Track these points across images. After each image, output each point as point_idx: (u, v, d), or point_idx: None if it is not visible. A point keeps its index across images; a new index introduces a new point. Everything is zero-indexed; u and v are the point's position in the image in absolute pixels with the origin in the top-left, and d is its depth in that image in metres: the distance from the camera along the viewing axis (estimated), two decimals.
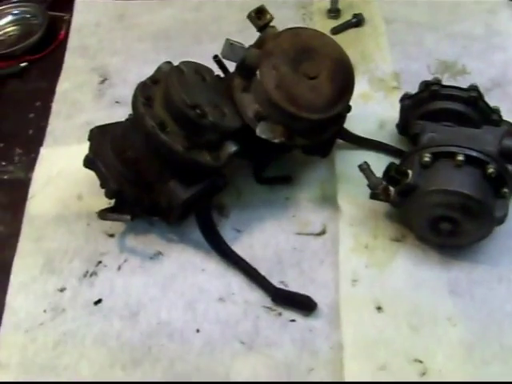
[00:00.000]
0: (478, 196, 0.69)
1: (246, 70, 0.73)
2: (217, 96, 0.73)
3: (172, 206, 0.71)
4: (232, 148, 0.71)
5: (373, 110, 0.90)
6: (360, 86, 0.91)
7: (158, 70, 0.75)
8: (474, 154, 0.70)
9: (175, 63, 0.94)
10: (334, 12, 1.04)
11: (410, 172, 0.71)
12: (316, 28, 0.99)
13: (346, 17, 1.04)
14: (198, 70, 0.74)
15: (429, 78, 0.89)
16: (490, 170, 0.70)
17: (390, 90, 0.93)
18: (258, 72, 0.71)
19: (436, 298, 0.73)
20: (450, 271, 0.75)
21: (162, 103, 0.70)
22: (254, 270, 0.74)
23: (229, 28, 0.99)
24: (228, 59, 0.73)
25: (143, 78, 0.90)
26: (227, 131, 0.71)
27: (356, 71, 0.89)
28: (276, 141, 0.72)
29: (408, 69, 0.97)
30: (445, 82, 0.85)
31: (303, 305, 0.72)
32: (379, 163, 0.78)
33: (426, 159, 0.71)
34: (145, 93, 0.71)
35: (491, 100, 0.83)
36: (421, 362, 0.68)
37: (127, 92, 0.91)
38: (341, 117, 0.76)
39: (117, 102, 0.93)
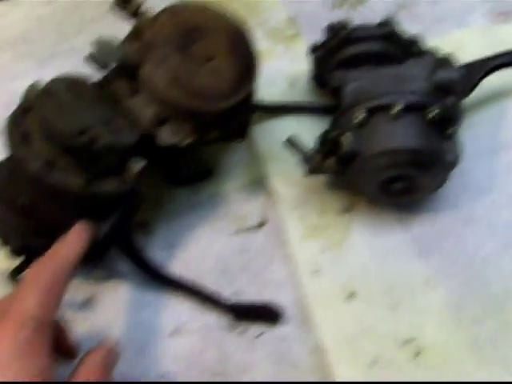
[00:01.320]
0: (426, 147, 0.61)
1: (128, 70, 0.61)
2: (102, 109, 0.61)
3: (89, 246, 0.60)
4: (139, 164, 0.60)
5: (277, 67, 0.78)
6: (256, 44, 0.81)
7: (25, 96, 0.62)
8: (412, 99, 0.62)
9: (45, 69, 0.83)
10: None
11: (345, 137, 0.62)
12: None
13: None
14: (71, 84, 0.61)
15: (328, 15, 0.81)
16: (432, 114, 0.62)
17: (289, 39, 0.83)
18: (143, 70, 0.60)
19: (406, 263, 0.65)
20: (412, 229, 0.67)
21: (41, 136, 0.58)
22: (202, 289, 0.65)
23: (92, 13, 0.86)
24: (104, 63, 0.61)
25: (14, 97, 0.78)
26: (127, 148, 0.60)
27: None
28: (186, 143, 0.61)
29: (303, 10, 0.85)
30: (346, 16, 0.76)
31: (267, 315, 0.64)
32: (303, 127, 0.70)
33: (360, 118, 0.62)
34: (18, 128, 0.59)
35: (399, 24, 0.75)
36: (411, 341, 0.61)
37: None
38: (250, 94, 0.65)
39: None
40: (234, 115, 0.64)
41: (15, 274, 0.64)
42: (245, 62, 0.63)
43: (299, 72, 0.78)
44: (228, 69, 0.61)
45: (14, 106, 0.74)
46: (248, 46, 0.64)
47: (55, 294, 0.51)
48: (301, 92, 0.78)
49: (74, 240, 0.56)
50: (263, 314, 0.64)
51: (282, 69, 0.79)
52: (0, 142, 0.61)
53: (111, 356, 0.53)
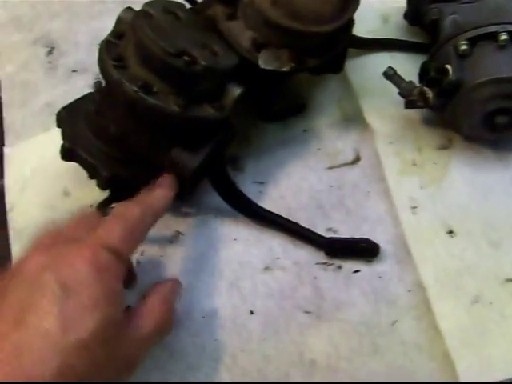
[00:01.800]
0: None
1: None
2: (199, 34, 0.59)
3: (181, 178, 0.59)
4: (236, 91, 0.58)
5: (369, 4, 0.75)
6: None
7: (119, 21, 0.60)
8: None
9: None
10: None
11: (449, 67, 0.59)
12: None
13: None
14: (167, 8, 0.59)
15: None
16: None
17: None
18: None
19: (507, 202, 0.63)
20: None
21: (137, 60, 0.56)
22: (295, 224, 0.63)
23: None
24: None
25: (96, 35, 0.78)
26: (225, 72, 0.58)
27: None
28: (285, 69, 0.59)
29: None
30: None
31: (364, 250, 0.62)
32: (396, 64, 0.67)
33: (464, 47, 0.60)
34: (112, 53, 0.57)
35: None
36: None
37: (82, 56, 0.79)
38: (350, 21, 0.63)
39: (74, 71, 0.78)
40: (333, 43, 0.62)
41: (103, 206, 0.63)
42: None
43: (392, 9, 0.76)
44: None
45: (93, 44, 0.74)
46: None
47: (138, 236, 0.53)
48: (394, 29, 0.75)
49: (163, 193, 0.57)
50: (360, 250, 0.62)
51: (375, 5, 0.77)
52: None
53: (174, 290, 0.56)
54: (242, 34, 0.60)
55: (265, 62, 0.59)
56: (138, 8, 0.59)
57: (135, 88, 0.54)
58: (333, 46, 0.62)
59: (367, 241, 0.61)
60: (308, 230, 0.62)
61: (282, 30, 0.58)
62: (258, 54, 0.60)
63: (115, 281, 0.48)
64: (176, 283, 0.57)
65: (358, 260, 0.61)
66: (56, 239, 0.52)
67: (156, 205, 0.55)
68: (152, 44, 0.55)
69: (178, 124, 0.57)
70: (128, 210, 0.53)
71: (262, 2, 0.57)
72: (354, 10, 0.60)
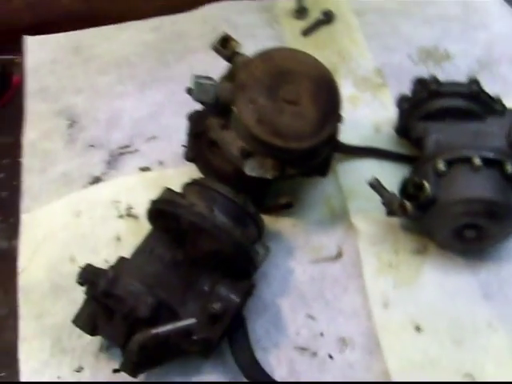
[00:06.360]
0: (502, 199, 0.66)
1: (221, 107, 0.68)
2: None
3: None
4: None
5: (364, 113, 0.85)
6: (346, 90, 0.86)
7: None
8: (491, 155, 0.67)
9: (144, 92, 0.90)
10: (300, 12, 0.97)
11: (426, 184, 0.67)
12: (286, 31, 0.95)
13: (314, 14, 0.97)
14: None
15: (412, 68, 0.86)
16: (510, 170, 0.67)
17: (376, 87, 0.89)
18: (234, 108, 0.67)
19: (471, 305, 0.70)
20: (479, 274, 0.72)
21: None
22: None
23: (194, 43, 0.93)
24: (200, 100, 0.68)
25: (114, 115, 0.85)
26: None
27: (337, 74, 0.86)
28: (268, 176, 0.68)
29: (390, 62, 0.92)
30: (429, 71, 0.82)
31: None
32: (383, 171, 0.75)
33: (441, 168, 0.68)
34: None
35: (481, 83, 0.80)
36: (471, 375, 0.65)
37: (100, 133, 0.86)
38: (331, 136, 0.71)
39: (91, 146, 0.85)
40: (313, 155, 0.70)
41: None
42: (328, 107, 0.68)
43: (385, 119, 0.84)
44: (311, 112, 0.67)
45: (111, 122, 0.82)
46: (333, 93, 0.69)
47: None
48: (385, 138, 0.83)
49: None
50: None
51: (369, 114, 0.85)
52: None
53: None
54: (233, 143, 0.69)
55: (250, 169, 0.68)
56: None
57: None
58: (312, 157, 0.70)
59: None
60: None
61: (265, 144, 0.66)
62: (246, 161, 0.68)
63: None
64: None
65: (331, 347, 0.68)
66: None
67: None
68: None
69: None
70: None
71: (249, 119, 0.66)
72: (332, 130, 0.69)
